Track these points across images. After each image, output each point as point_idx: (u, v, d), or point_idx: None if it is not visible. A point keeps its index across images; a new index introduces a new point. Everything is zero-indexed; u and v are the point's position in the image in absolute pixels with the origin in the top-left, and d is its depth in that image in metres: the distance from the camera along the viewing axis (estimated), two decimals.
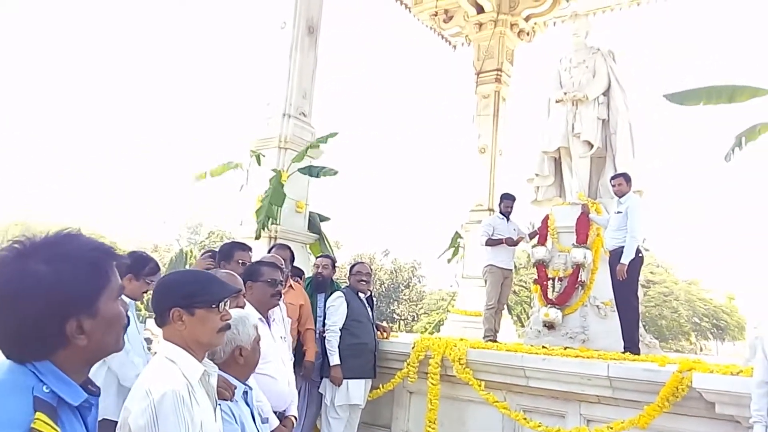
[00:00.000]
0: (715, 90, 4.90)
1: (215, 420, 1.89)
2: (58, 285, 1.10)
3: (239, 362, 2.25)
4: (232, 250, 3.75)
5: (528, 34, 10.34)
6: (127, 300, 3.34)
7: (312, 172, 6.71)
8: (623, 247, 5.84)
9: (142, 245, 41.93)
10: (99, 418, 3.02)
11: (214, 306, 1.89)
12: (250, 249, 3.85)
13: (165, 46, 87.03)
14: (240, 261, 3.60)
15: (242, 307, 2.87)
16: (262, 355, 2.77)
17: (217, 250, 3.95)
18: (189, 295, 1.87)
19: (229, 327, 2.01)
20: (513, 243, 6.91)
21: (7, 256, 1.12)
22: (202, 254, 4.50)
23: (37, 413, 1.02)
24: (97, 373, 3.14)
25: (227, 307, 1.98)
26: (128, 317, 3.13)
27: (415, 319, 35.57)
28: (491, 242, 6.81)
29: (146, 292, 3.49)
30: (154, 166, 78.43)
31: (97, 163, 74.22)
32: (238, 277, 2.86)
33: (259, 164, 6.63)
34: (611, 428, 4.26)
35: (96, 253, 1.19)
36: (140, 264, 3.47)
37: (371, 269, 5.53)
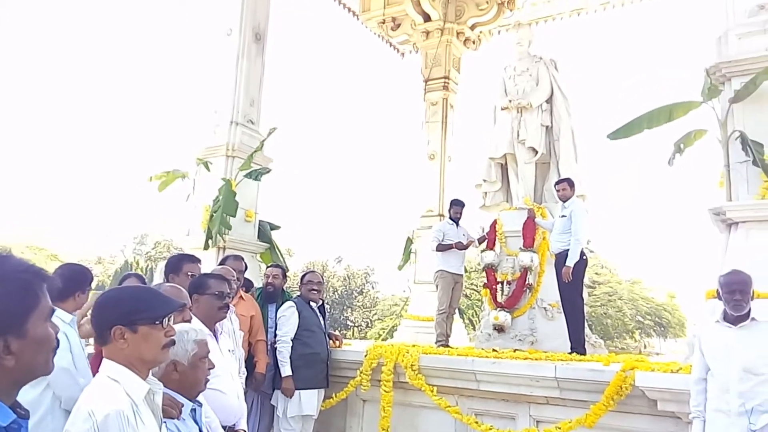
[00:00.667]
0: (654, 114, 5.11)
1: None
2: None
3: (174, 377, 2.19)
4: (180, 263, 3.66)
5: (474, 42, 10.54)
6: (69, 317, 3.20)
7: (252, 175, 6.62)
8: (568, 250, 6.01)
9: (85, 257, 40.51)
10: None
11: (157, 322, 1.84)
12: (199, 261, 3.76)
13: (110, 51, 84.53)
14: (189, 273, 3.51)
15: (188, 321, 2.80)
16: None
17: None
18: (131, 312, 1.81)
19: (173, 343, 1.96)
20: (463, 247, 7.00)
21: None
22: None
23: None
24: (42, 396, 2.99)
25: (171, 323, 1.93)
26: (67, 338, 2.98)
27: (369, 325, 35.55)
28: (441, 247, 6.88)
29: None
30: (98, 175, 75.89)
31: (38, 171, 71.30)
32: (183, 290, 2.80)
33: (208, 170, 6.50)
34: (559, 428, 4.36)
35: (26, 275, 1.18)
36: (83, 278, 3.32)
37: (323, 278, 5.49)
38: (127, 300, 1.88)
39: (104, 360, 1.85)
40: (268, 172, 6.67)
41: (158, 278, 4.69)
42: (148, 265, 37.21)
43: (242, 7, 6.92)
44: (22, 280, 1.17)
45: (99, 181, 73.01)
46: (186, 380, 2.25)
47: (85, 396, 1.74)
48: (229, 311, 4.13)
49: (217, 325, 3.34)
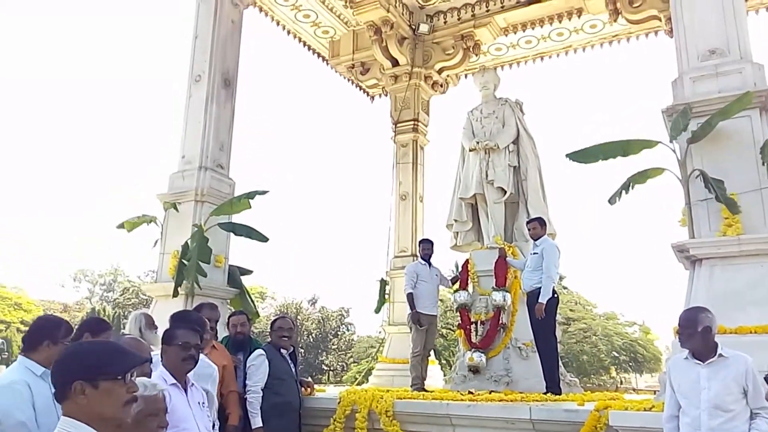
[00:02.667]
0: (610, 146, 5.26)
1: None
2: None
3: None
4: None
5: (441, 85, 10.78)
6: (40, 369, 3.05)
7: (237, 230, 6.55)
8: (540, 287, 6.04)
9: (50, 305, 39.35)
10: None
11: (119, 378, 1.77)
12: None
13: (80, 91, 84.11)
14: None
15: (148, 376, 2.72)
16: (176, 422, 2.62)
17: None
18: (92, 367, 1.75)
19: (135, 399, 1.88)
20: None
21: None
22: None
23: None
24: None
25: (134, 378, 1.86)
26: (30, 390, 2.82)
27: (345, 368, 34.97)
28: (410, 298, 6.84)
29: None
30: (64, 220, 74.42)
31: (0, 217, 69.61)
32: (144, 343, 2.72)
33: (173, 213, 6.41)
34: None
35: None
36: (53, 326, 3.15)
37: (294, 323, 5.39)
38: (88, 354, 1.81)
39: (62, 418, 1.77)
40: (265, 240, 6.56)
41: (132, 328, 4.54)
42: (116, 312, 36.27)
43: (211, 53, 6.98)
44: None
45: (64, 227, 71.62)
46: None
47: None
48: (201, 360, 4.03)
49: (188, 376, 3.25)
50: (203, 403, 3.36)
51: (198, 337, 3.27)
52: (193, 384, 3.28)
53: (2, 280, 39.77)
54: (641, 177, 4.96)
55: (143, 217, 6.81)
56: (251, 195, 6.46)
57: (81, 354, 1.83)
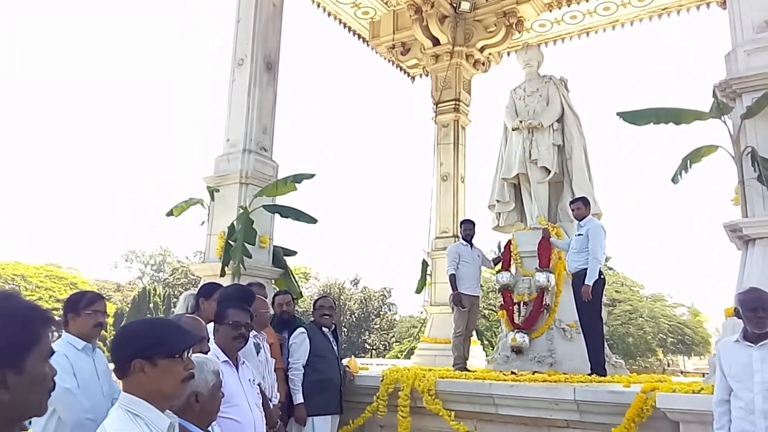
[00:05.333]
0: (663, 111, 5.12)
1: None
2: None
3: (195, 408, 2.19)
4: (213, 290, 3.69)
5: (483, 64, 10.61)
6: (81, 344, 3.20)
7: (283, 212, 6.66)
8: (586, 269, 5.96)
9: (104, 285, 40.92)
10: None
11: (177, 356, 1.83)
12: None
13: (127, 80, 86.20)
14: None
15: (206, 353, 2.82)
16: (227, 398, 2.72)
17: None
18: (150, 346, 1.80)
19: (192, 376, 1.94)
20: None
21: None
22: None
23: None
24: (48, 421, 2.98)
25: (190, 356, 1.93)
26: (69, 361, 2.97)
27: (387, 347, 35.32)
28: (452, 279, 6.85)
29: (98, 326, 3.29)
30: (115, 203, 76.93)
31: (56, 202, 72.51)
32: (202, 322, 2.81)
33: (212, 199, 6.55)
34: None
35: (29, 312, 1.21)
36: (75, 300, 3.31)
37: (335, 303, 5.48)
38: (146, 333, 1.87)
39: (122, 393, 1.85)
40: (314, 222, 6.66)
41: (181, 307, 4.72)
42: (166, 292, 37.47)
43: (253, 36, 7.04)
44: (24, 317, 1.19)
45: (115, 208, 74.02)
46: (204, 411, 2.25)
47: (107, 430, 1.73)
48: (261, 339, 4.16)
49: (240, 354, 3.36)
50: (253, 380, 3.47)
51: (248, 316, 3.37)
52: (243, 362, 3.39)
53: (58, 261, 41.57)
54: (696, 155, 4.80)
55: (190, 200, 6.97)
56: (298, 178, 6.54)
57: (139, 333, 1.89)
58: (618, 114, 5.28)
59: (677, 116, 4.99)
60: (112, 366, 2.01)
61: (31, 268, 37.98)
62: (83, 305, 3.25)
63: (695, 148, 4.82)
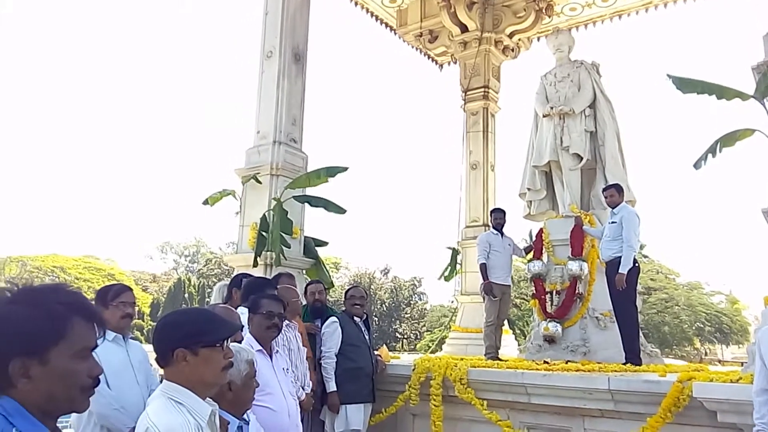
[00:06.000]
0: (708, 84, 5.13)
1: None
2: (13, 323, 1.16)
3: (228, 397, 2.24)
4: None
5: (513, 50, 10.47)
6: (111, 334, 3.28)
7: (313, 202, 6.71)
8: (620, 257, 5.86)
9: (140, 276, 41.87)
10: None
11: (217, 345, 1.89)
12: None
13: (158, 77, 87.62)
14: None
15: (239, 342, 2.87)
16: (262, 387, 2.77)
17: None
18: (192, 335, 1.86)
19: (231, 365, 2.00)
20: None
21: (0, 299, 1.21)
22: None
23: None
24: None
25: (228, 345, 1.98)
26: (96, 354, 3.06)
27: (418, 337, 35.41)
28: (483, 268, 6.83)
29: (126, 317, 3.36)
30: (147, 195, 78.44)
31: (90, 194, 74.27)
32: (235, 312, 2.87)
33: (260, 182, 6.61)
34: None
35: (57, 306, 1.21)
36: (103, 293, 3.40)
37: (366, 292, 5.51)
38: (188, 323, 1.93)
39: (165, 382, 1.90)
40: (343, 212, 6.73)
41: (216, 297, 4.82)
42: (200, 282, 38.18)
43: (281, 28, 7.07)
44: (52, 310, 1.20)
45: (149, 200, 75.48)
46: (238, 399, 2.30)
47: (151, 419, 1.77)
48: (293, 329, 4.23)
49: (273, 343, 3.42)
50: (287, 369, 3.53)
51: (281, 306, 3.42)
52: (277, 351, 3.45)
53: (95, 252, 42.67)
54: (730, 139, 4.69)
55: (223, 191, 7.08)
56: (331, 171, 6.58)
57: (181, 323, 1.94)
58: (668, 76, 5.26)
59: (720, 91, 4.93)
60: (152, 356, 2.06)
61: (70, 260, 39.11)
62: (110, 297, 3.33)
63: (728, 131, 4.71)
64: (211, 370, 1.87)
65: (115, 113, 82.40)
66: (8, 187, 70.71)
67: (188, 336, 1.86)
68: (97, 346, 1.30)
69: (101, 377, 3.18)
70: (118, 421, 2.99)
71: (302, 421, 4.52)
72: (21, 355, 1.16)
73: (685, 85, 5.16)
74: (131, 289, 3.52)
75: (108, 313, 3.29)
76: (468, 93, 10.28)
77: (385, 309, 37.81)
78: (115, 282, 3.74)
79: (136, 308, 3.53)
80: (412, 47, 11.11)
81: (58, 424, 1.27)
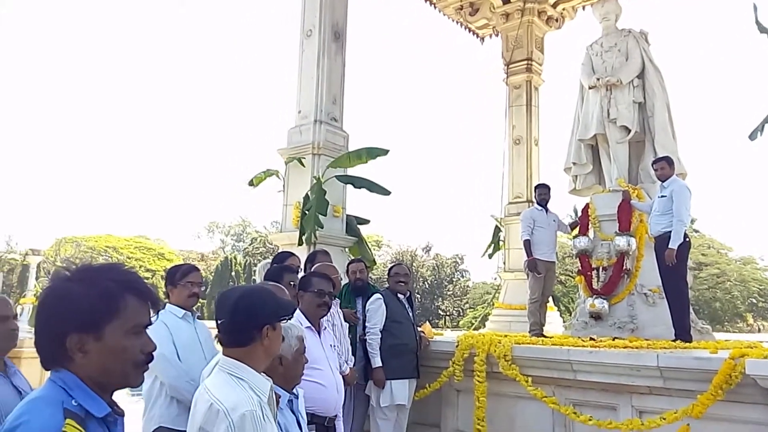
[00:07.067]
0: None
1: None
2: (71, 300, 1.22)
3: (279, 371, 2.30)
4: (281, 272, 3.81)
5: (557, 20, 10.19)
6: (181, 312, 3.43)
7: (356, 183, 6.75)
8: (669, 232, 5.70)
9: (189, 255, 43.05)
10: (155, 426, 3.11)
11: (286, 320, 2.00)
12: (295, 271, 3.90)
13: (205, 60, 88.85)
14: (291, 283, 3.61)
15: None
16: (311, 363, 2.83)
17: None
18: (275, 312, 1.95)
19: (283, 339, 2.09)
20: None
21: (59, 277, 1.27)
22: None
23: (67, 420, 1.15)
24: (153, 385, 3.23)
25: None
26: (168, 329, 3.17)
27: (461, 314, 35.44)
28: (527, 245, 6.75)
29: (193, 296, 3.51)
30: (196, 175, 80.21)
31: (141, 176, 76.47)
32: (284, 289, 2.93)
33: (303, 166, 6.68)
34: (664, 419, 4.16)
35: (113, 284, 1.27)
36: (172, 273, 3.56)
37: (409, 269, 5.53)
38: (270, 301, 1.99)
39: (223, 358, 1.95)
40: (387, 194, 6.76)
41: (260, 277, 4.92)
42: (246, 261, 39.01)
43: (321, 6, 7.05)
44: (106, 288, 1.25)
45: (196, 181, 77.21)
46: (288, 374, 2.36)
47: (214, 394, 1.82)
48: (335, 305, 4.30)
49: (322, 321, 3.49)
50: (334, 345, 3.60)
51: (331, 284, 3.49)
52: (325, 328, 3.52)
53: (146, 233, 44.03)
54: None
55: (267, 171, 7.18)
56: (372, 153, 6.59)
57: (266, 301, 1.99)
58: (754, 4, 5.03)
59: None
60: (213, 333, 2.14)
61: (122, 240, 40.46)
62: (178, 277, 3.49)
63: None
64: (277, 344, 1.97)
65: (163, 97, 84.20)
66: (65, 171, 73.48)
67: (273, 313, 1.94)
68: (150, 323, 1.35)
69: (174, 351, 3.32)
70: (189, 394, 3.12)
71: (346, 395, 4.63)
72: (78, 331, 1.22)
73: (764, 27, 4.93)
74: (198, 269, 3.68)
75: (177, 292, 3.47)
76: (510, 66, 10.08)
77: (427, 286, 37.90)
78: (182, 263, 3.90)
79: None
80: (452, 21, 10.92)
81: (131, 395, 1.34)
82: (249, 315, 1.92)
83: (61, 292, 1.24)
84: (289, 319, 1.98)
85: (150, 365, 1.34)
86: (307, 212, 6.43)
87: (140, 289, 1.31)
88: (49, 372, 1.26)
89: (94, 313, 1.23)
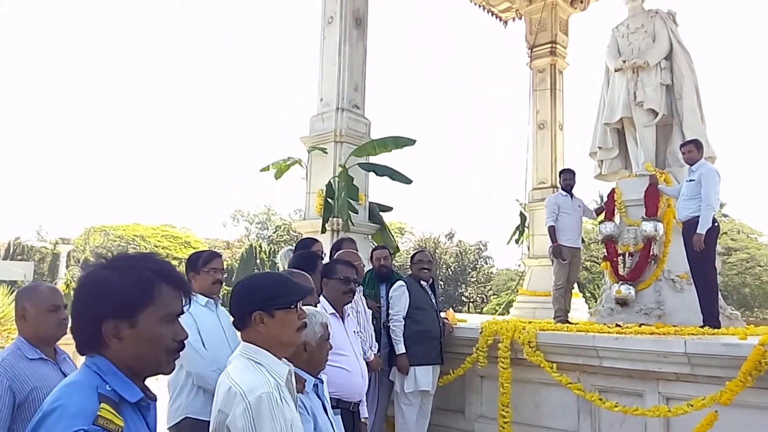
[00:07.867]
0: None
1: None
2: (107, 287, 1.26)
3: (303, 357, 2.33)
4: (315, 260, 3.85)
5: (582, 2, 10.01)
6: (204, 300, 3.45)
7: (379, 171, 6.75)
8: (697, 216, 5.61)
9: (214, 243, 43.59)
10: (181, 416, 3.15)
11: (292, 306, 1.99)
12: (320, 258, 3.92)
13: (228, 49, 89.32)
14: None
15: (314, 305, 2.97)
16: (336, 349, 2.86)
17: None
18: (268, 298, 1.96)
19: (305, 326, 2.11)
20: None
21: (96, 264, 1.32)
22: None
23: (102, 404, 1.19)
24: (179, 373, 3.22)
25: (301, 307, 2.07)
26: (193, 318, 3.16)
27: (485, 300, 35.33)
28: (552, 231, 6.69)
29: (217, 283, 3.48)
30: (221, 163, 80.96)
31: (166, 165, 77.53)
32: (309, 277, 2.96)
33: (326, 153, 6.70)
34: (692, 406, 4.11)
35: (148, 272, 1.31)
36: (194, 260, 3.50)
37: (432, 256, 5.53)
38: (264, 287, 2.02)
39: (243, 343, 2.00)
40: (409, 182, 6.75)
41: (282, 262, 4.96)
42: (270, 248, 39.35)
43: None
44: (141, 276, 1.29)
45: (221, 169, 77.96)
46: (313, 359, 2.39)
47: (232, 378, 1.87)
48: (359, 291, 4.34)
49: (345, 308, 3.52)
50: (358, 331, 3.63)
51: (355, 271, 3.51)
52: (349, 314, 3.55)
53: (172, 221, 44.68)
54: None
55: (289, 159, 7.21)
56: (398, 143, 6.58)
57: (257, 287, 2.03)
58: None
59: None
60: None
61: (149, 228, 41.10)
62: (201, 264, 3.45)
63: None
64: (286, 331, 1.97)
65: (189, 87, 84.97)
66: (94, 162, 74.81)
67: (264, 299, 1.95)
68: (183, 312, 1.38)
69: (200, 339, 3.32)
70: (215, 382, 3.16)
71: (370, 381, 4.68)
72: (113, 317, 1.25)
73: None
74: (220, 256, 3.64)
75: (200, 279, 3.42)
76: (534, 49, 9.94)
77: (450, 273, 37.82)
78: (204, 250, 3.88)
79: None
80: (475, 4, 10.78)
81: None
82: (240, 301, 1.99)
83: (97, 280, 1.28)
84: (294, 306, 1.97)
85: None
86: (329, 200, 6.46)
87: (174, 278, 1.35)
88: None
89: (130, 301, 1.26)
